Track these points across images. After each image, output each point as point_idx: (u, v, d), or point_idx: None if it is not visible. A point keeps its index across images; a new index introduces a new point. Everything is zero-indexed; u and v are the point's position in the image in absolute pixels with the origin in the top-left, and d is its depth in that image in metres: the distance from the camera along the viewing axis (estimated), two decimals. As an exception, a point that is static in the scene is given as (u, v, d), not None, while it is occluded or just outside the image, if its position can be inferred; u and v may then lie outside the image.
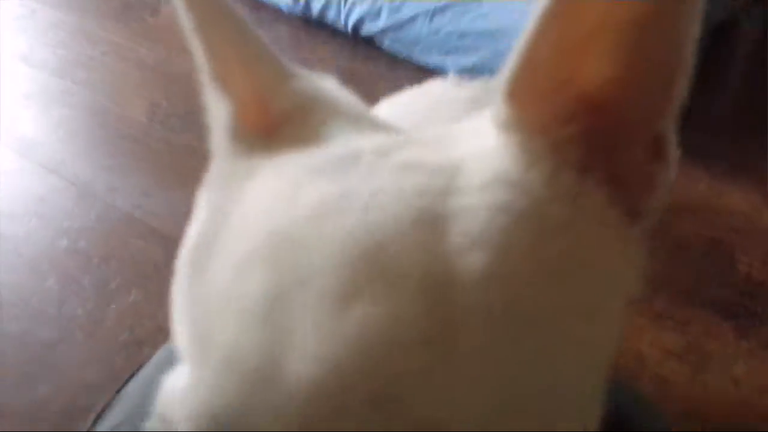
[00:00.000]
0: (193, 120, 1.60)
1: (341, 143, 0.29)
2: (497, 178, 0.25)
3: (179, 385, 0.26)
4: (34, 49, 1.87)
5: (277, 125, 0.32)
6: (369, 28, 1.77)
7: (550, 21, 0.26)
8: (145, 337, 1.19)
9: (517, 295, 0.23)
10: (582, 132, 0.28)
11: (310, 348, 0.22)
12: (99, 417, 0.78)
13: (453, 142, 0.29)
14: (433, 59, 1.71)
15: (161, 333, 1.18)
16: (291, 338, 0.23)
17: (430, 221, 0.24)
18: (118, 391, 0.80)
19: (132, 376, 0.81)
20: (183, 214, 1.45)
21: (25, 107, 1.69)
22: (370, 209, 0.24)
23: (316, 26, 1.85)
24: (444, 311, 0.22)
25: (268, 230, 0.26)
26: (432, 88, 0.68)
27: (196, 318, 0.26)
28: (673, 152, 0.29)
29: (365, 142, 0.29)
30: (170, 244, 1.38)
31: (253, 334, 0.24)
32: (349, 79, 0.36)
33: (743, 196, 1.46)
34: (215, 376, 0.24)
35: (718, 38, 1.73)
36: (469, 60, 1.64)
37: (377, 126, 0.32)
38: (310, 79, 0.34)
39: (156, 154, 1.56)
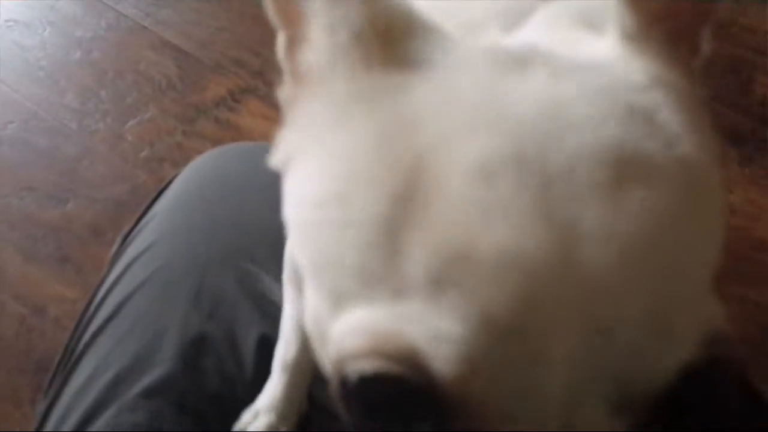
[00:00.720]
0: None
1: (483, 48, 0.28)
2: (656, 80, 0.27)
3: (389, 324, 0.23)
4: None
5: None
6: None
7: None
8: (165, 153, 1.24)
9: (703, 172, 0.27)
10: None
11: (601, 231, 0.22)
12: (126, 237, 0.84)
13: (579, 46, 0.29)
14: None
15: (180, 149, 1.24)
16: (578, 228, 0.22)
17: (639, 114, 0.25)
18: (144, 213, 0.85)
19: (156, 197, 0.85)
20: (192, 23, 1.45)
21: None
22: (587, 106, 0.25)
23: None
24: (693, 193, 0.25)
25: (500, 131, 0.24)
26: None
27: (431, 246, 0.23)
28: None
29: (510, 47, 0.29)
30: (181, 56, 1.39)
31: (535, 232, 0.22)
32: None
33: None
34: (491, 290, 0.22)
35: None
36: None
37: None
38: None
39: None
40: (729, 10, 1.41)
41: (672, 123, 0.26)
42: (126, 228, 0.85)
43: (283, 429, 0.63)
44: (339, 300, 0.25)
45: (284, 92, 0.33)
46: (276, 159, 0.32)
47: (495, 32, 0.31)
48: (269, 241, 0.73)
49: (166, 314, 0.66)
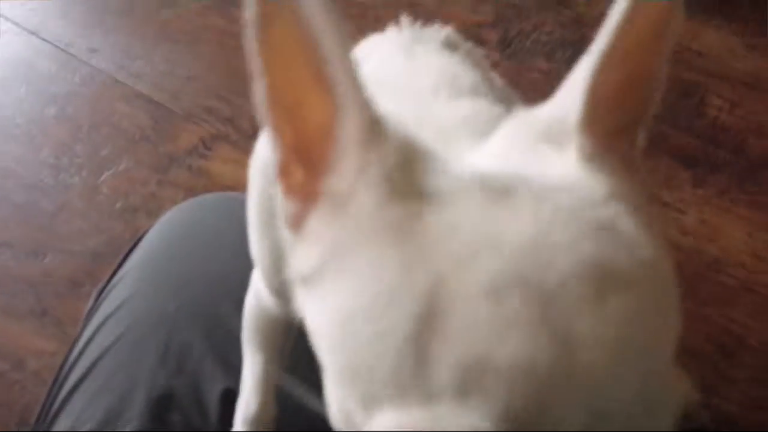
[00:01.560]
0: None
1: (469, 176, 0.32)
2: (614, 193, 0.32)
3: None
4: None
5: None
6: None
7: (611, 59, 0.32)
8: (140, 203, 1.27)
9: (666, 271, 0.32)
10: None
11: (591, 337, 0.27)
12: (101, 293, 0.87)
13: (541, 165, 0.34)
14: None
15: (154, 199, 1.27)
16: (574, 336, 0.27)
17: (605, 228, 0.30)
18: (118, 268, 0.88)
19: (129, 251, 0.89)
20: (163, 74, 1.49)
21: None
22: (564, 227, 0.30)
23: None
24: (657, 290, 0.30)
25: (501, 255, 0.28)
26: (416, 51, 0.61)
27: (448, 359, 0.27)
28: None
29: (486, 170, 0.33)
30: (153, 107, 1.43)
31: (540, 342, 0.27)
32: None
33: (720, 37, 1.45)
34: (508, 392, 0.27)
35: None
36: None
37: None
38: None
39: (132, 6, 1.55)
40: (681, 36, 1.47)
41: (631, 231, 0.30)
42: (100, 283, 0.88)
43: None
44: (372, 402, 0.29)
45: (292, 205, 0.35)
46: (297, 269, 0.35)
47: (467, 143, 0.36)
48: (236, 295, 0.76)
49: (136, 372, 0.70)
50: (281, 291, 0.56)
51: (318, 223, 0.34)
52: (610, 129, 0.34)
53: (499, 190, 0.31)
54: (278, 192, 0.36)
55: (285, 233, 0.44)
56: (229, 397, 0.67)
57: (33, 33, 1.51)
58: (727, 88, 1.41)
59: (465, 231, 0.29)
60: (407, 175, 0.31)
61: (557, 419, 0.27)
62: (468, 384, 0.27)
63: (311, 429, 0.70)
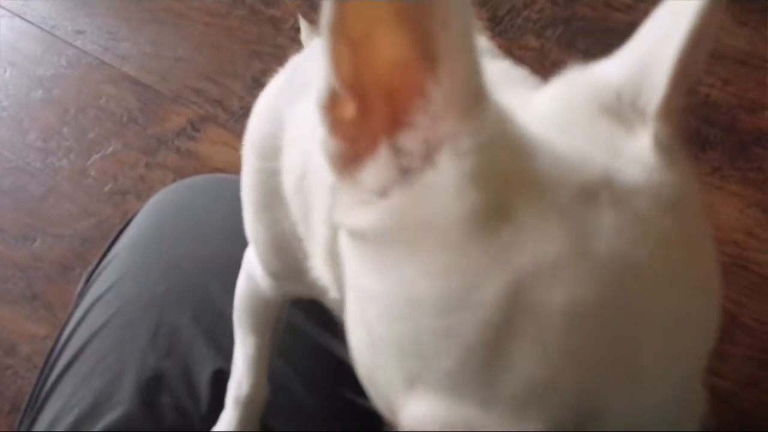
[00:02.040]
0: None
1: (564, 182, 0.30)
2: (684, 194, 0.31)
3: None
4: None
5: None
6: None
7: (696, 40, 0.31)
8: (129, 186, 1.26)
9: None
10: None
11: (659, 373, 0.28)
12: (90, 276, 0.86)
13: (612, 148, 0.32)
14: None
15: (143, 181, 1.26)
16: (641, 364, 0.28)
17: (682, 242, 0.30)
18: (107, 251, 0.87)
19: (119, 234, 0.88)
20: (150, 55, 1.47)
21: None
22: (648, 244, 0.29)
23: None
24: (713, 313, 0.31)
25: (583, 275, 0.27)
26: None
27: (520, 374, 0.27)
28: None
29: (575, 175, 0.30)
30: (141, 89, 1.41)
31: (608, 372, 0.27)
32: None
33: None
34: (561, 415, 0.27)
35: None
36: None
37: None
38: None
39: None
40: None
41: (699, 237, 0.31)
42: (90, 266, 0.87)
43: (237, 459, 0.66)
44: (419, 384, 0.29)
45: (339, 144, 0.32)
46: (348, 219, 0.32)
47: (513, 93, 0.33)
48: (226, 276, 0.76)
49: (125, 354, 0.69)
50: (278, 271, 0.56)
51: (381, 177, 0.31)
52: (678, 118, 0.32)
53: (586, 190, 0.29)
54: (320, 132, 0.32)
55: (318, 191, 0.41)
56: (220, 378, 0.67)
57: (17, 15, 1.49)
58: (719, 65, 1.40)
59: (551, 238, 0.28)
60: (499, 154, 0.29)
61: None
62: (530, 399, 0.27)
63: (300, 411, 0.71)
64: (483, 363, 0.27)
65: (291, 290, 0.60)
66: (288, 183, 0.46)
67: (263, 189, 0.51)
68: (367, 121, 0.30)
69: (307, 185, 0.43)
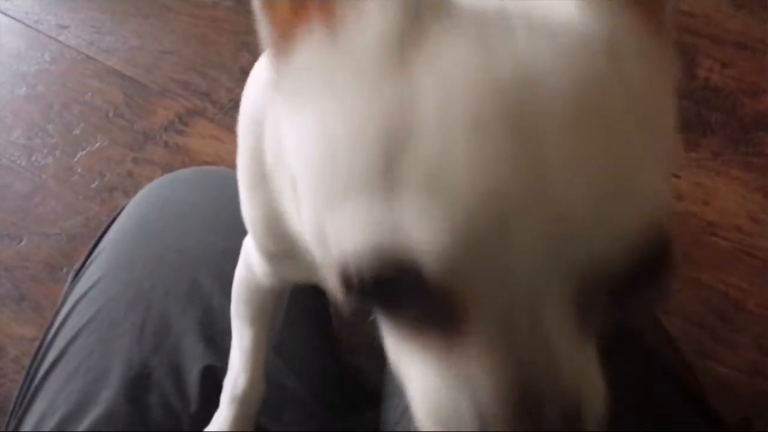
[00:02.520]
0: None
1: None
2: (619, 33, 0.30)
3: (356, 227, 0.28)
4: None
5: None
6: None
7: None
8: (116, 182, 1.23)
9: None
10: None
11: (566, 168, 0.26)
12: (77, 274, 0.84)
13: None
14: None
15: (130, 177, 1.23)
16: (548, 162, 0.26)
17: (599, 65, 0.28)
18: (94, 247, 0.84)
19: (105, 230, 0.85)
20: (135, 48, 1.44)
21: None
22: (556, 67, 0.28)
23: None
24: (650, 138, 0.29)
25: (489, 86, 0.28)
26: None
27: (424, 178, 0.27)
28: None
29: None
30: (127, 83, 1.38)
31: (512, 163, 0.26)
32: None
33: (709, -4, 1.42)
34: (466, 201, 0.26)
35: None
36: None
37: None
38: None
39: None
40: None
41: (629, 70, 0.29)
42: (77, 264, 0.84)
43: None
44: (337, 201, 0.29)
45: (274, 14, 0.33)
46: (280, 82, 0.33)
47: None
48: (215, 268, 0.73)
49: (111, 352, 0.66)
50: (273, 252, 0.54)
51: (311, 49, 0.31)
52: None
53: (496, 23, 0.29)
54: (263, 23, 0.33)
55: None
56: (211, 375, 0.64)
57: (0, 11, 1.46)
58: (718, 48, 1.38)
59: (457, 59, 0.28)
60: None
61: (517, 245, 0.26)
62: (432, 183, 0.26)
63: (293, 407, 0.68)
64: (387, 157, 0.27)
65: (288, 275, 0.57)
66: (269, 159, 0.45)
67: (252, 168, 0.49)
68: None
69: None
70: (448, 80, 0.28)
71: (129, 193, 1.20)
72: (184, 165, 1.24)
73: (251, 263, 0.59)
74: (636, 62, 0.30)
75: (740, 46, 1.38)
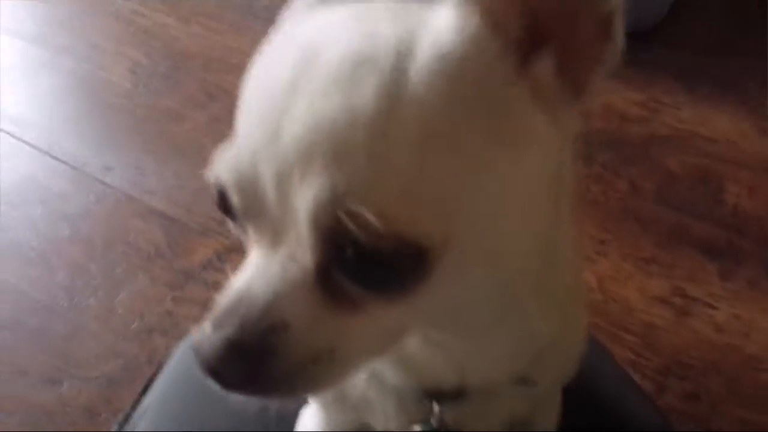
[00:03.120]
0: (174, 79, 1.61)
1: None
2: (451, 39, 0.35)
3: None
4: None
5: None
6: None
7: None
8: (155, 323, 1.25)
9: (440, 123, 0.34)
10: (533, 12, 0.35)
11: (300, 117, 0.34)
12: (123, 424, 0.84)
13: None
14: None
15: (169, 317, 1.25)
16: (293, 110, 0.34)
17: (400, 51, 0.34)
18: (138, 400, 0.84)
19: (150, 381, 0.85)
20: (176, 188, 1.48)
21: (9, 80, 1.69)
22: (357, 48, 0.35)
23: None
24: (389, 111, 0.33)
25: (295, 47, 0.36)
26: None
27: (247, 100, 0.38)
28: (620, 33, 0.35)
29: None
30: (168, 222, 1.41)
31: (274, 106, 0.35)
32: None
33: (730, 122, 1.45)
34: (246, 135, 0.37)
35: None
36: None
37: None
38: None
39: (143, 123, 1.57)
40: (688, 122, 1.47)
41: (422, 76, 0.34)
42: (120, 414, 0.85)
43: None
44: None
45: None
46: None
47: None
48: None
49: None
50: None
51: None
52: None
53: (322, 8, 0.39)
54: None
55: None
56: None
57: (47, 153, 1.53)
58: (743, 173, 1.40)
59: (300, 34, 0.38)
60: None
61: (261, 175, 0.35)
62: (238, 128, 0.38)
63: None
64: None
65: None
66: None
67: None
68: None
69: None
70: (279, 50, 0.37)
71: (167, 333, 1.22)
72: (222, 304, 1.26)
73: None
74: (430, 85, 0.34)
75: (766, 170, 1.40)
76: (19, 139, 1.56)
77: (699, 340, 1.16)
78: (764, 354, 1.14)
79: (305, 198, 0.34)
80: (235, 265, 1.41)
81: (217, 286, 1.33)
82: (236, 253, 1.32)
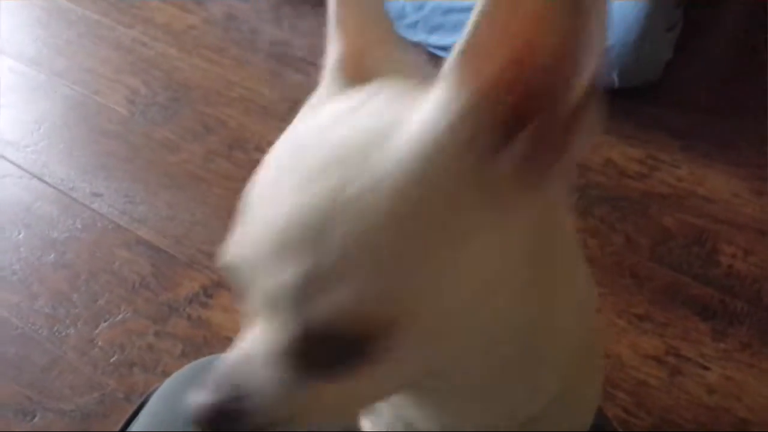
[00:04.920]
0: (172, 110, 1.60)
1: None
2: (425, 130, 0.35)
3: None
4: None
5: (366, 79, 0.41)
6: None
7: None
8: (136, 357, 1.21)
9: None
10: (511, 94, 0.34)
11: (276, 207, 0.36)
12: None
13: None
14: (418, 36, 1.67)
15: (151, 351, 1.22)
16: (273, 201, 0.37)
17: (369, 151, 0.35)
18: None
19: (130, 419, 0.82)
20: (167, 219, 1.46)
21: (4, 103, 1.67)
22: (339, 140, 0.37)
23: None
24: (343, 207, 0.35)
25: (289, 142, 0.40)
26: None
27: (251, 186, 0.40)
28: (591, 125, 0.34)
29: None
30: (155, 253, 1.39)
31: (261, 196, 0.39)
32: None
33: (725, 182, 1.45)
34: (240, 222, 0.40)
35: (699, 11, 1.68)
36: (452, 39, 1.60)
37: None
38: (403, 49, 0.43)
39: (137, 151, 1.55)
40: (686, 180, 1.47)
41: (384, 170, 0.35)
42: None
43: None
44: None
45: None
46: None
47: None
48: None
49: None
50: None
51: None
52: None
53: (315, 109, 0.41)
54: None
55: None
56: None
57: (36, 176, 1.51)
58: (738, 234, 1.39)
59: (307, 124, 0.41)
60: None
61: (245, 259, 0.38)
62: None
63: None
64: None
65: None
66: None
67: None
68: None
69: None
70: (282, 142, 0.40)
71: (148, 369, 1.18)
72: (205, 339, 1.23)
73: None
74: (398, 179, 0.34)
75: (761, 233, 1.40)
76: (7, 159, 1.54)
77: (691, 401, 1.14)
78: (755, 418, 1.12)
79: (277, 282, 0.36)
80: (222, 301, 1.39)
81: (200, 321, 1.31)
82: (223, 288, 1.29)
